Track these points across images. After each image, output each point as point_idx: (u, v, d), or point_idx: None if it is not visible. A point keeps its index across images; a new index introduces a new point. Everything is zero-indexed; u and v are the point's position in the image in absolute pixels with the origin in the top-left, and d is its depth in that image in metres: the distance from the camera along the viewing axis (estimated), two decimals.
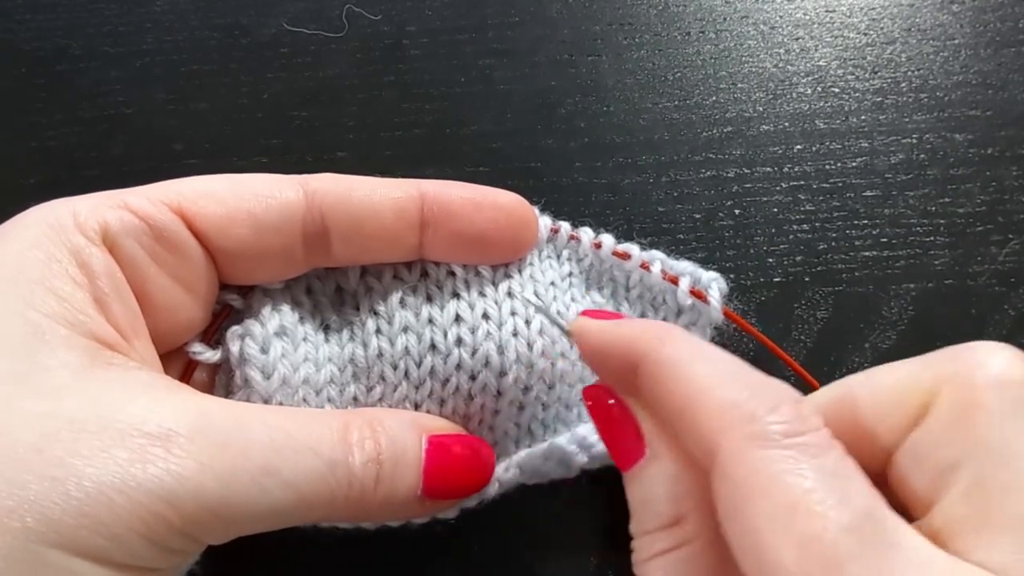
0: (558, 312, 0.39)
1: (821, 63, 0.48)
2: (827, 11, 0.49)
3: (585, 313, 0.35)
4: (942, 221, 0.45)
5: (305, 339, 0.38)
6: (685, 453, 0.29)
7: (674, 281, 0.40)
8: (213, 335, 0.38)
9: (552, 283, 0.39)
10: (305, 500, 0.31)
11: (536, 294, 0.37)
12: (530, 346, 0.38)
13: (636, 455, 0.31)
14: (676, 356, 0.29)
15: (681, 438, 0.29)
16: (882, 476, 0.29)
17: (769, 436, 0.25)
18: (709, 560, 0.28)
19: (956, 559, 0.25)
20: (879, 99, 0.47)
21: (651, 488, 0.30)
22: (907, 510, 0.28)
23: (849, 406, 0.30)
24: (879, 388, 0.30)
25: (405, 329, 0.38)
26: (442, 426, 0.37)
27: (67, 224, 0.31)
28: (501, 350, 0.37)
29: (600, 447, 0.38)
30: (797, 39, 0.48)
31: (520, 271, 0.39)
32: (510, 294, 0.37)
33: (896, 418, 0.29)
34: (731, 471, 0.26)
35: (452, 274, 0.39)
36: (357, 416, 0.34)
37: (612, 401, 0.33)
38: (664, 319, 0.41)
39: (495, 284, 0.39)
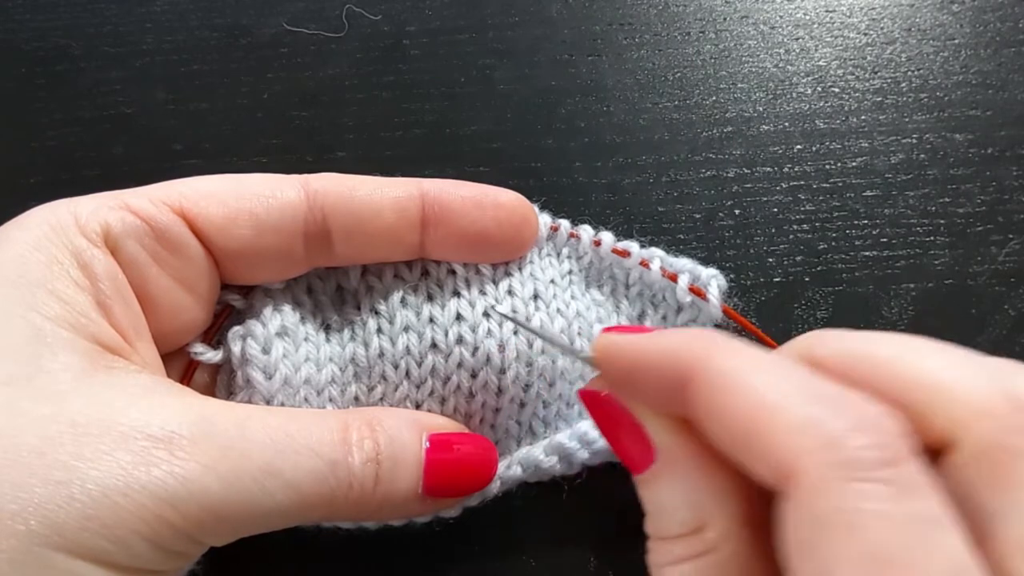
0: (558, 309, 0.39)
1: (821, 63, 0.48)
2: (827, 11, 0.49)
3: (608, 330, 0.32)
4: (942, 221, 0.45)
5: (306, 339, 0.38)
6: (707, 457, 0.27)
7: (673, 278, 0.40)
8: (214, 335, 0.38)
9: (552, 281, 0.39)
10: (306, 500, 0.31)
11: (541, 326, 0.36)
12: (530, 344, 0.38)
13: (646, 459, 0.29)
14: (733, 367, 0.26)
15: (743, 457, 0.25)
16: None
17: (856, 465, 0.22)
18: (735, 569, 0.26)
19: None
20: (879, 99, 0.47)
21: (667, 494, 0.28)
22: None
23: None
24: (907, 380, 0.26)
25: (406, 328, 0.38)
26: (443, 424, 0.37)
27: (68, 225, 0.32)
28: (502, 348, 0.38)
29: (601, 443, 0.38)
30: (797, 39, 0.49)
31: (520, 269, 0.39)
32: (511, 324, 0.36)
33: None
34: (811, 504, 0.23)
35: (453, 272, 0.39)
36: (356, 416, 0.34)
37: (611, 403, 0.31)
38: (664, 316, 0.41)
39: (495, 282, 0.39)
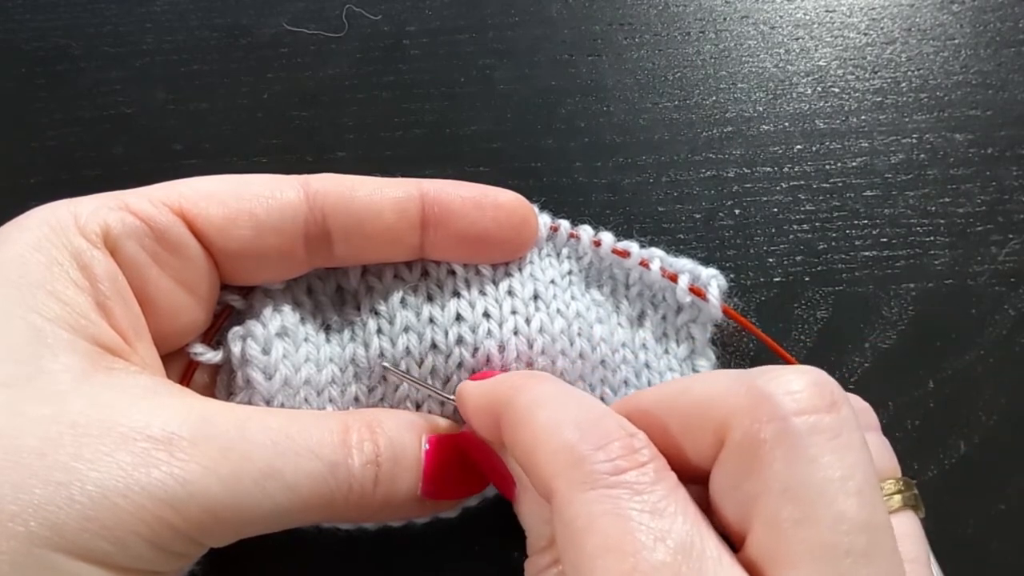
0: (558, 310, 0.39)
1: (821, 63, 0.48)
2: (827, 11, 0.49)
3: (472, 377, 0.37)
4: (942, 221, 0.45)
5: (306, 339, 0.38)
6: None
7: (673, 278, 0.40)
8: (214, 336, 0.38)
9: (552, 281, 0.39)
10: (306, 502, 0.31)
11: (397, 366, 0.38)
12: (530, 344, 0.38)
13: (510, 488, 0.34)
14: (525, 404, 0.30)
15: (531, 482, 0.30)
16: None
17: (594, 477, 0.26)
18: None
19: None
20: (879, 99, 0.47)
21: (528, 515, 0.33)
22: (728, 537, 0.28)
23: (659, 423, 0.30)
24: (685, 410, 0.30)
25: (406, 329, 0.38)
26: (443, 426, 0.37)
27: (68, 226, 0.31)
28: (502, 348, 0.38)
29: None
30: (797, 39, 0.48)
31: (520, 269, 0.39)
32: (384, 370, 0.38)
33: (700, 442, 0.29)
34: (561, 512, 0.27)
35: (452, 273, 0.39)
36: (356, 417, 0.34)
37: (479, 443, 0.35)
38: (663, 317, 0.41)
39: (495, 283, 0.39)
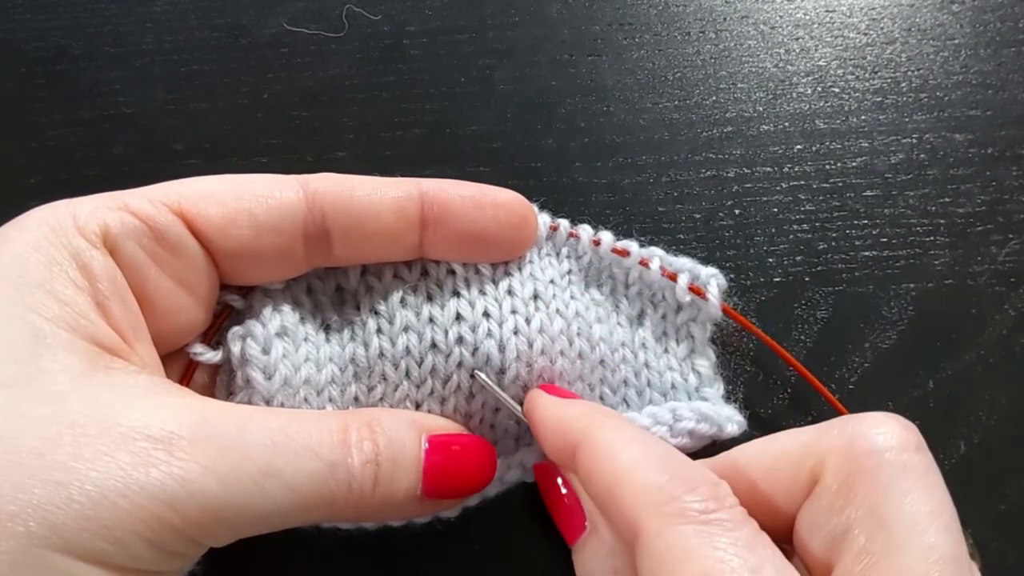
0: (557, 309, 0.39)
1: (821, 63, 0.48)
2: (827, 11, 0.49)
3: (542, 387, 0.38)
4: (942, 221, 0.45)
5: (306, 339, 0.38)
6: None
7: (673, 277, 0.40)
8: (214, 336, 0.38)
9: (551, 281, 0.39)
10: (306, 502, 0.31)
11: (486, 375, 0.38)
12: (530, 344, 0.38)
13: (579, 529, 0.34)
14: (608, 439, 0.31)
15: (609, 517, 0.31)
16: (787, 545, 0.31)
17: (687, 514, 0.27)
18: None
19: None
20: (879, 99, 0.47)
21: (591, 559, 0.33)
22: (812, 574, 0.29)
23: (745, 477, 0.32)
24: (773, 459, 0.32)
25: (406, 328, 0.38)
26: (443, 425, 0.37)
27: (68, 226, 0.31)
28: (502, 348, 0.38)
29: None
30: (797, 39, 0.48)
31: (520, 269, 0.39)
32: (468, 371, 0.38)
33: (791, 486, 0.31)
34: (651, 545, 0.27)
35: (452, 272, 0.39)
36: (356, 417, 0.34)
37: (559, 479, 0.36)
38: (663, 316, 0.41)
39: (495, 282, 0.39)
